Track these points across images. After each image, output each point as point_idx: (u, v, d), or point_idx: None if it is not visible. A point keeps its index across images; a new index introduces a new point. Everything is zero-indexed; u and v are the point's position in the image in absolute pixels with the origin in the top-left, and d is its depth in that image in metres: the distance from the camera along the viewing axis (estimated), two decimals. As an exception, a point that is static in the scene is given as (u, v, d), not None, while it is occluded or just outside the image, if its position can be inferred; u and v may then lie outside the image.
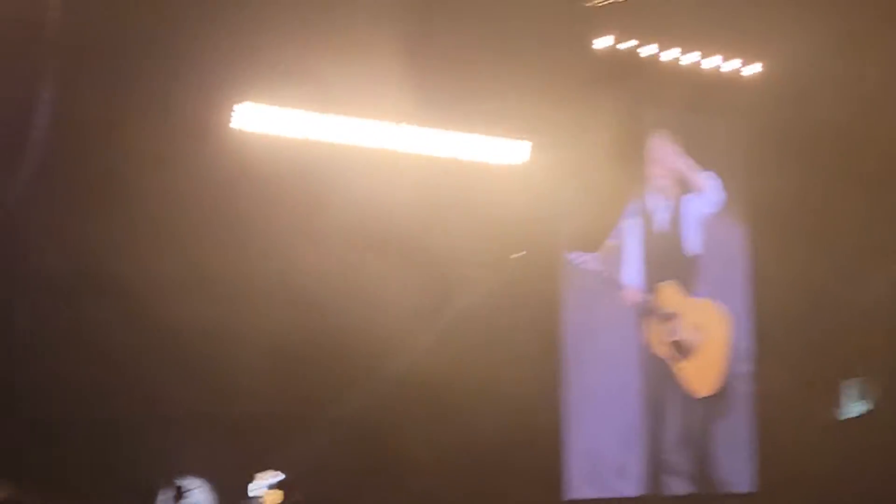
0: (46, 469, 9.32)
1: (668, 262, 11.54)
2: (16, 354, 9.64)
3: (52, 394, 9.49)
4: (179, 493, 9.53)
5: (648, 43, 11.08)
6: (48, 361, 9.55)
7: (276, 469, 9.91)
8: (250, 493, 9.72)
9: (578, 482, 11.42)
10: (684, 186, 11.76)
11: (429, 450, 10.25)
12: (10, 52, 9.41)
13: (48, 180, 9.66)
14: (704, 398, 11.75)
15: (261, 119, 10.19)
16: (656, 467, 11.51)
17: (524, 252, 11.02)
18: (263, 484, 9.78)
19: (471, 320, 10.68)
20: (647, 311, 10.89)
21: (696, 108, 11.77)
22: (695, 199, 11.75)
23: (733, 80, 11.70)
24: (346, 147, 10.39)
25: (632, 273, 10.91)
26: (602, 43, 10.84)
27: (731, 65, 11.66)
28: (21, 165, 9.61)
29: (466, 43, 10.30)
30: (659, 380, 11.34)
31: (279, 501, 9.80)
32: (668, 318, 11.34)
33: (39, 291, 9.70)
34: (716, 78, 11.64)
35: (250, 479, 9.88)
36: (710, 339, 11.63)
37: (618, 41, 10.91)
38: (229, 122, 10.08)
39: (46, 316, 9.65)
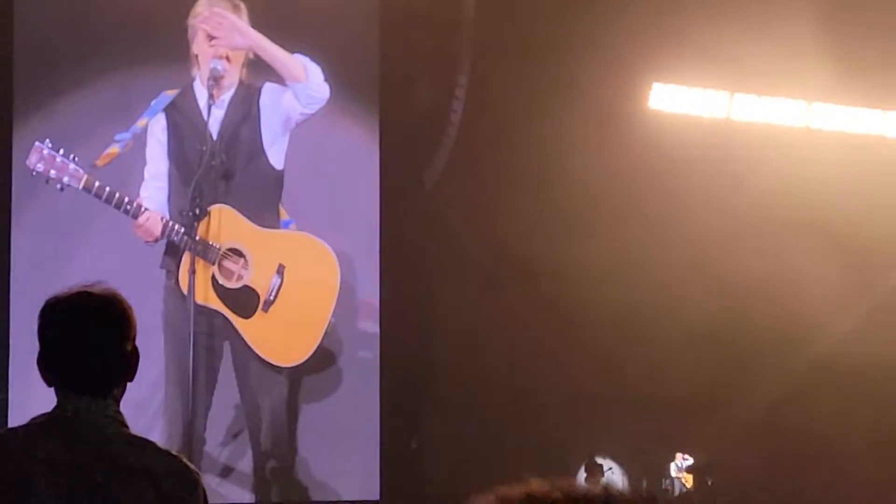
0: (473, 446, 9.56)
1: None
2: (438, 337, 9.91)
3: (474, 374, 9.71)
4: (598, 471, 9.61)
5: None
6: (470, 342, 9.77)
7: (690, 452, 9.88)
8: (672, 474, 9.73)
9: None
10: None
11: (853, 437, 9.98)
12: (429, 37, 9.65)
13: (466, 163, 9.85)
14: None
15: (676, 99, 10.13)
16: None
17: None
18: (681, 465, 9.78)
19: (893, 304, 10.34)
20: None
21: None
22: None
23: None
24: (763, 126, 10.21)
25: None
26: None
27: None
28: (440, 148, 9.85)
29: (886, 13, 9.96)
30: None
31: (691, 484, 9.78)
32: None
33: (458, 273, 9.92)
34: None
35: (666, 461, 9.89)
36: None
37: None
38: (646, 103, 10.05)
39: (466, 297, 9.86)
